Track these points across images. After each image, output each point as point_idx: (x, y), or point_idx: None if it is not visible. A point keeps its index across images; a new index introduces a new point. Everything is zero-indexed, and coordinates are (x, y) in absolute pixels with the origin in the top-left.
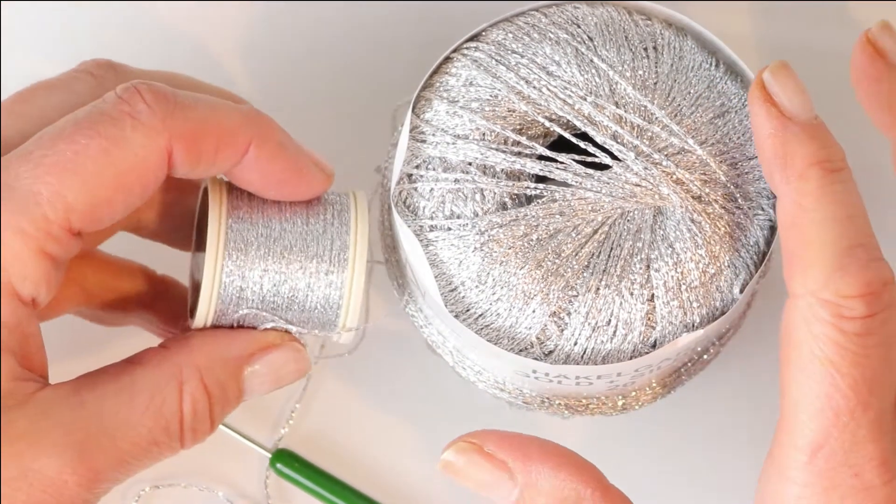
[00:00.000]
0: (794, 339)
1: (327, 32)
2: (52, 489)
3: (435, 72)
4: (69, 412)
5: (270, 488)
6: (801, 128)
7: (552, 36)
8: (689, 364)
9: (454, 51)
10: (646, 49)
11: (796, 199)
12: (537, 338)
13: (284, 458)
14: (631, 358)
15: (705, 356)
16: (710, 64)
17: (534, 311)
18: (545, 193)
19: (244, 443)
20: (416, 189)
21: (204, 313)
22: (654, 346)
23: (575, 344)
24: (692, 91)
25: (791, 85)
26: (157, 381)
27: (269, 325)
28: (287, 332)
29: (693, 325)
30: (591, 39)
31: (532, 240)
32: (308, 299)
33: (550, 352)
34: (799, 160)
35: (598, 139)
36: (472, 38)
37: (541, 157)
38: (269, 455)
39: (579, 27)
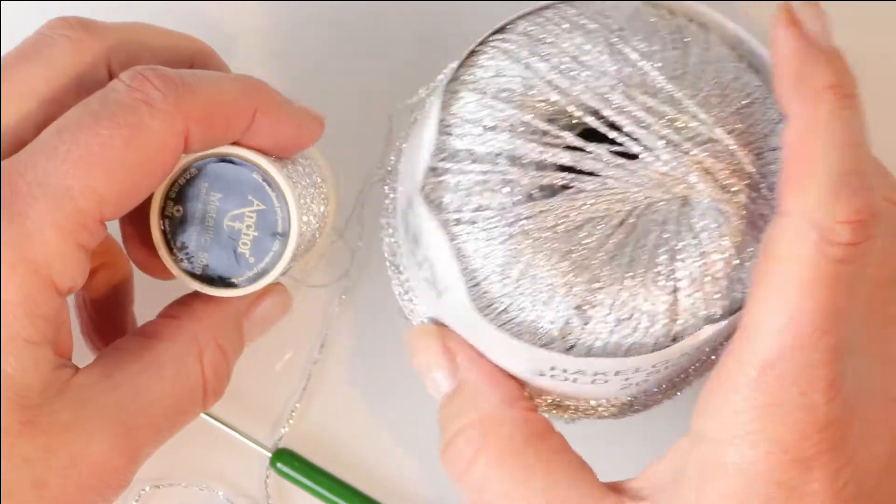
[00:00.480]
0: (774, 254)
1: (318, 36)
2: (102, 473)
3: (461, 65)
4: (107, 396)
5: (270, 488)
6: (822, 51)
7: (583, 25)
8: (698, 364)
9: (481, 44)
10: (674, 40)
11: (807, 120)
12: (560, 331)
13: (284, 458)
14: (652, 351)
15: (713, 356)
16: (735, 56)
17: (558, 305)
18: (574, 184)
19: (244, 442)
20: (440, 183)
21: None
22: (674, 339)
23: (597, 338)
24: (720, 82)
25: (817, 12)
26: (179, 353)
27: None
28: None
29: (714, 318)
30: (621, 30)
31: (559, 231)
32: (308, 233)
33: (572, 346)
34: (816, 81)
35: (628, 128)
36: (498, 31)
37: (569, 147)
38: (269, 455)
39: (608, 18)
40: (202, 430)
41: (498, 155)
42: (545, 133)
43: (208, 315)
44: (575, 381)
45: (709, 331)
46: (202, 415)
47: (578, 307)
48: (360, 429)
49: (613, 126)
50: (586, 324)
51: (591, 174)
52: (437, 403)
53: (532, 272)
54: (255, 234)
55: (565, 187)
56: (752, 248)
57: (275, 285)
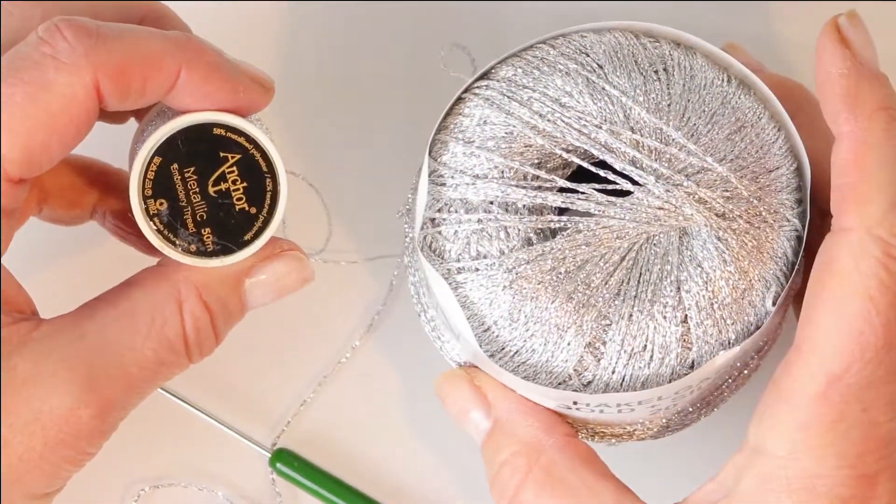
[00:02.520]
0: (836, 269)
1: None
2: (68, 426)
3: (448, 114)
4: (73, 346)
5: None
6: (874, 72)
7: (562, 67)
8: (730, 381)
9: (465, 91)
10: (656, 72)
11: (862, 138)
12: (574, 370)
13: (284, 458)
14: (670, 381)
15: (745, 371)
16: (723, 80)
17: (569, 344)
18: (569, 225)
19: (244, 442)
20: (440, 233)
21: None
22: (692, 367)
23: (613, 372)
24: (706, 109)
25: (864, 33)
26: (156, 302)
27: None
28: (289, 242)
29: (729, 343)
30: (601, 67)
31: (560, 273)
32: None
33: (589, 382)
34: (869, 102)
35: (617, 166)
36: (481, 77)
37: (562, 190)
38: (269, 455)
39: (588, 56)
40: (202, 430)
41: (491, 203)
42: (536, 178)
43: (194, 267)
44: (602, 411)
45: (725, 356)
46: (202, 415)
47: (589, 345)
48: (359, 429)
49: (603, 165)
50: (599, 360)
51: (586, 214)
52: (438, 403)
53: (538, 315)
54: (245, 184)
55: (563, 229)
56: (758, 271)
57: (291, 250)
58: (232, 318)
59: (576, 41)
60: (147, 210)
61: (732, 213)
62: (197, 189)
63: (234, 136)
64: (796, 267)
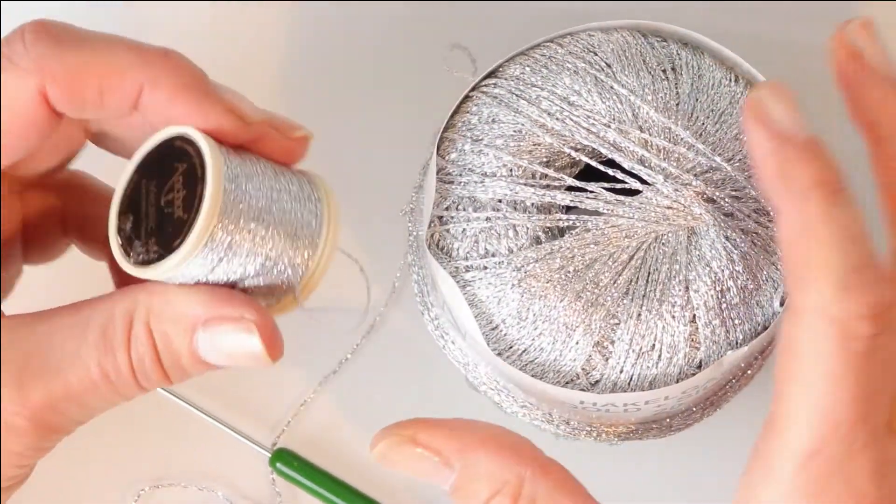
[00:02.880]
0: (797, 352)
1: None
2: (6, 427)
3: (456, 111)
4: (12, 344)
5: (274, 487)
6: (801, 147)
7: (570, 66)
8: (734, 381)
9: (473, 89)
10: (664, 71)
11: (799, 220)
12: (583, 369)
13: (284, 458)
14: (678, 381)
15: (749, 371)
16: (730, 80)
17: (577, 343)
18: (578, 224)
19: (244, 442)
20: (448, 231)
21: (187, 251)
22: (699, 366)
23: (621, 371)
24: (715, 109)
25: (785, 103)
26: (112, 316)
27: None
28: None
29: (737, 343)
30: (609, 66)
31: (569, 272)
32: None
33: (597, 381)
34: (801, 180)
35: (626, 165)
36: (489, 75)
37: (570, 188)
38: (269, 455)
39: (596, 55)
40: (202, 430)
41: (500, 201)
42: (544, 176)
43: (157, 293)
44: (608, 411)
45: (733, 356)
46: (201, 415)
47: (598, 344)
48: (359, 429)
49: (612, 164)
50: (608, 359)
51: (594, 213)
52: (438, 403)
53: (547, 313)
54: (184, 192)
55: (571, 228)
56: (766, 271)
57: (244, 320)
58: (180, 361)
59: (584, 40)
60: (118, 227)
61: (741, 213)
62: (153, 201)
63: (186, 146)
64: None
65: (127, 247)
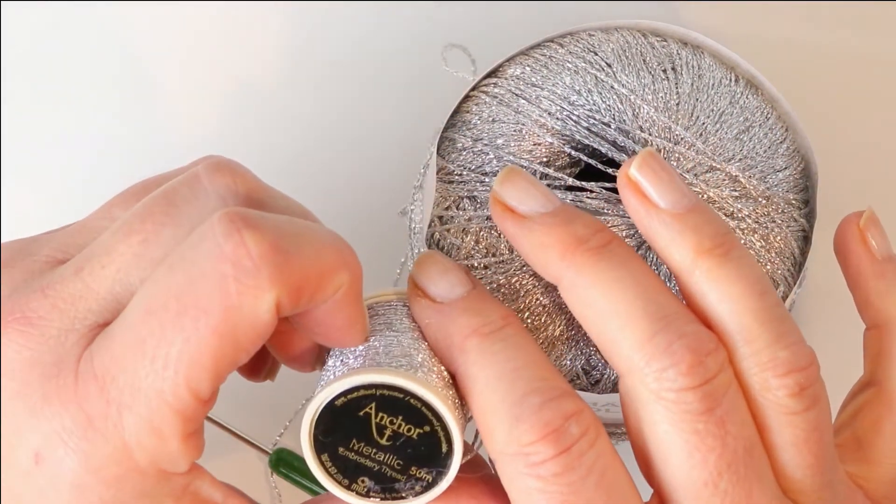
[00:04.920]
0: (510, 497)
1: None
2: None
3: (456, 111)
4: None
5: (274, 487)
6: (453, 307)
7: (570, 65)
8: None
9: (473, 89)
10: (664, 71)
11: (463, 372)
12: (583, 368)
13: (284, 458)
14: None
15: None
16: (730, 80)
17: (578, 342)
18: None
19: (244, 443)
20: (448, 230)
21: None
22: None
23: None
24: (715, 108)
25: (434, 270)
26: None
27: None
28: None
29: None
30: (609, 66)
31: None
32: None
33: (597, 381)
34: (456, 337)
35: None
36: (489, 75)
37: (570, 188)
38: (269, 454)
39: (596, 54)
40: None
41: None
42: (544, 176)
43: None
44: (608, 411)
45: None
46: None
47: None
48: None
49: (612, 163)
50: None
51: (595, 212)
52: None
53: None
54: (401, 417)
55: None
56: (767, 268)
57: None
58: None
59: (584, 40)
60: (359, 492)
61: (741, 213)
62: (375, 450)
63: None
64: (803, 266)
65: (387, 495)
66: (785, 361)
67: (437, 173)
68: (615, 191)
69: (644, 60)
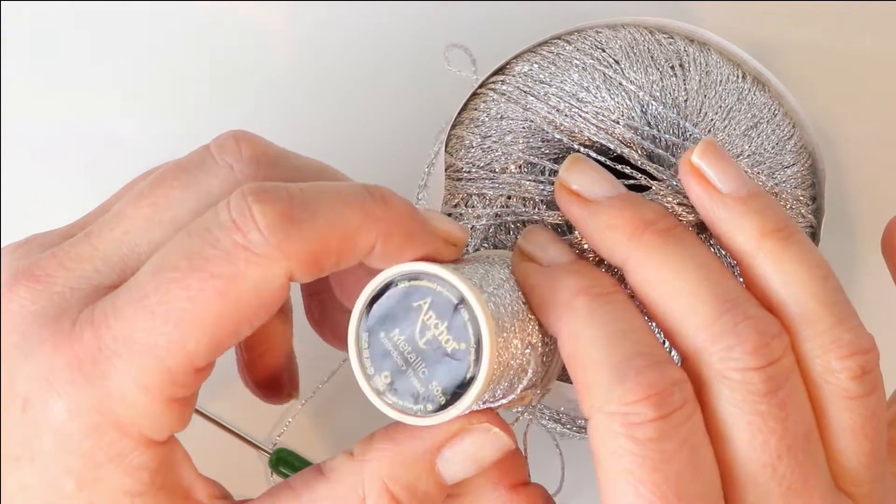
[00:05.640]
0: (596, 457)
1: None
2: None
3: (464, 108)
4: None
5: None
6: (563, 268)
7: (578, 62)
8: None
9: (481, 86)
10: (672, 67)
11: (568, 329)
12: None
13: (284, 458)
14: None
15: None
16: (738, 76)
17: None
18: None
19: (244, 442)
20: None
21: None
22: None
23: None
24: (723, 105)
25: (543, 239)
26: (338, 498)
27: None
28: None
29: None
30: (617, 62)
31: None
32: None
33: None
34: (564, 293)
35: (635, 161)
36: (497, 72)
37: None
38: (269, 454)
39: (604, 51)
40: (202, 430)
41: (509, 198)
42: (553, 173)
43: (383, 458)
44: None
45: None
46: (201, 414)
47: None
48: (360, 429)
49: (621, 160)
50: None
51: None
52: None
53: None
54: (445, 324)
55: None
56: None
57: (476, 424)
58: (428, 499)
59: (591, 37)
60: (376, 390)
61: None
62: (404, 347)
63: (414, 281)
64: None
65: (398, 400)
66: (848, 343)
67: (446, 170)
68: (627, 187)
69: (652, 57)
